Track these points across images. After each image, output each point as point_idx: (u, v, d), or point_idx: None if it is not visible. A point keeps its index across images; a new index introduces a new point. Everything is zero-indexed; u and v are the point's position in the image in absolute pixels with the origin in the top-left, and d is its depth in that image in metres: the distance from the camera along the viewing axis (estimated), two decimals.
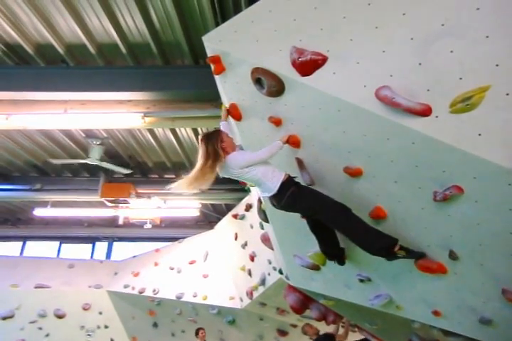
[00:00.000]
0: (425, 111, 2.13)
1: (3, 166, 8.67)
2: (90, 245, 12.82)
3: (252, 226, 6.08)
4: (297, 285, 4.26)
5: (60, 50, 5.25)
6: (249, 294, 6.60)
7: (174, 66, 5.49)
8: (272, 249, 4.54)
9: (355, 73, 2.37)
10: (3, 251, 12.13)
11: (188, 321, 8.45)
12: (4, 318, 8.60)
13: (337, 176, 2.86)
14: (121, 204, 9.12)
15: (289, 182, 2.83)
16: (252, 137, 3.30)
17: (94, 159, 7.33)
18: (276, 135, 2.98)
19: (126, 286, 9.11)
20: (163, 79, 5.30)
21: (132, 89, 5.35)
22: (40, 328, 8.77)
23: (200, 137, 2.96)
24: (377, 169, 2.62)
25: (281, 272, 4.69)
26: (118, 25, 4.84)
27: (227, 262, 7.49)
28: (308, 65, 2.49)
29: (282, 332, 7.74)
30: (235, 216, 6.88)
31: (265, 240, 4.98)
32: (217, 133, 2.96)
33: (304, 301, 4.61)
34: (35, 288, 9.00)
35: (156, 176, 9.24)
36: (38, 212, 9.85)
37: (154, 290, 8.60)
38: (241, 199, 6.92)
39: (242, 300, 7.03)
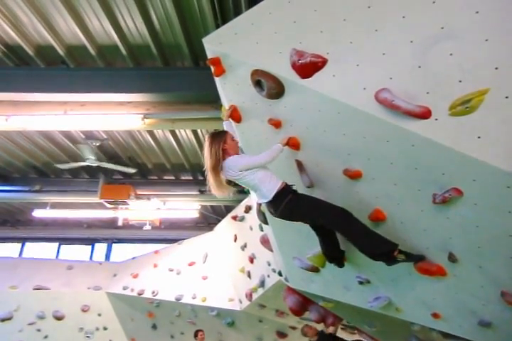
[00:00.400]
0: (425, 114, 2.13)
1: (2, 167, 8.66)
2: (89, 246, 12.81)
3: (251, 228, 6.08)
4: (296, 287, 4.26)
5: (60, 51, 5.25)
6: (249, 296, 6.60)
7: (174, 68, 5.49)
8: (272, 250, 4.54)
9: (354, 75, 2.37)
10: (2, 253, 12.12)
11: (187, 323, 8.44)
12: (3, 320, 8.57)
13: (336, 178, 2.86)
14: (120, 206, 9.13)
15: (286, 191, 2.81)
16: (251, 139, 3.30)
17: (92, 160, 7.33)
18: (276, 137, 2.98)
19: (125, 288, 9.10)
20: (163, 81, 5.31)
21: (132, 90, 5.36)
22: (39, 330, 8.75)
23: (207, 135, 2.98)
24: (376, 171, 2.63)
25: (280, 274, 4.68)
26: (118, 26, 4.85)
27: (227, 264, 7.49)
28: (308, 68, 2.49)
29: (281, 334, 7.73)
30: (235, 218, 6.88)
31: (265, 242, 4.98)
32: (222, 134, 2.97)
33: (304, 303, 4.62)
34: (34, 289, 8.97)
35: (156, 178, 9.24)
36: (37, 213, 9.85)
37: (153, 292, 8.59)
38: (240, 201, 6.92)
39: (241, 301, 7.03)
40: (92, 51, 5.22)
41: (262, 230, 5.01)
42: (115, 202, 8.77)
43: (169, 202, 9.27)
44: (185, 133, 7.18)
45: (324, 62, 2.45)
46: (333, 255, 3.23)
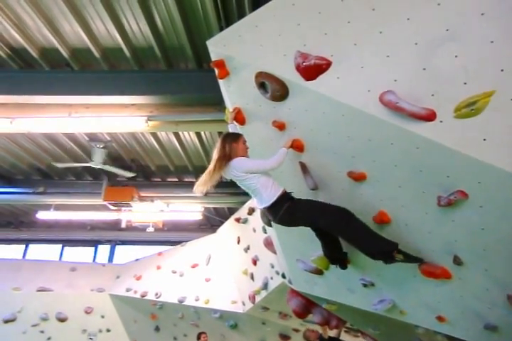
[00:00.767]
0: (429, 116, 2.12)
1: (6, 169, 8.71)
2: (93, 248, 12.83)
3: (254, 230, 6.07)
4: (300, 290, 4.24)
5: (65, 54, 5.28)
6: (252, 298, 6.57)
7: (178, 70, 5.51)
8: (275, 253, 4.53)
9: (359, 78, 2.37)
10: (5, 254, 12.14)
11: (190, 325, 8.42)
12: (6, 321, 8.58)
13: (341, 180, 2.86)
14: (124, 208, 9.16)
15: (285, 198, 2.82)
16: (255, 141, 3.29)
17: (97, 162, 7.35)
18: (280, 139, 2.98)
19: (128, 290, 9.09)
20: (166, 83, 5.33)
21: (136, 92, 5.38)
22: (42, 331, 8.75)
23: (223, 134, 3.04)
24: (381, 174, 2.62)
25: (284, 276, 4.67)
26: (122, 29, 4.87)
27: (230, 266, 7.47)
28: (312, 70, 2.49)
29: (284, 337, 7.69)
30: (238, 220, 6.87)
31: (268, 244, 4.97)
32: (238, 135, 3.02)
33: (307, 305, 4.60)
34: (38, 291, 8.98)
35: (159, 180, 9.25)
36: (41, 215, 9.88)
37: (156, 294, 8.58)
38: (244, 203, 6.91)
39: (244, 304, 7.00)
40: (96, 53, 5.24)
41: (265, 232, 5.00)
42: (118, 204, 8.78)
43: (172, 204, 9.29)
44: (188, 136, 7.19)
45: (328, 64, 2.45)
46: (335, 256, 3.22)
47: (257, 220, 5.33)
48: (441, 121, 2.11)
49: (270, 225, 4.09)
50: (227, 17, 4.58)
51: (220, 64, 2.96)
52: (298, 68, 2.54)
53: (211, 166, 2.87)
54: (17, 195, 9.02)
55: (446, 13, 2.08)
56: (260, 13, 2.74)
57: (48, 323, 8.85)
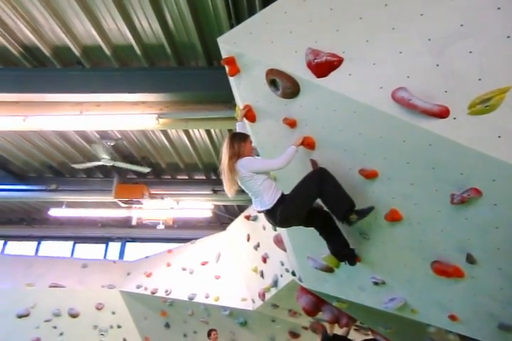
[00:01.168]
0: (443, 113, 2.10)
1: (19, 167, 8.81)
2: (104, 245, 12.95)
3: (264, 228, 6.07)
4: (310, 287, 4.23)
5: (76, 52, 5.31)
6: (262, 296, 6.59)
7: (188, 67, 5.51)
8: (285, 250, 4.53)
9: (371, 74, 2.35)
10: (18, 251, 12.33)
11: (200, 322, 8.47)
12: (20, 317, 8.71)
13: (352, 178, 2.84)
14: (134, 205, 9.20)
15: (281, 200, 2.84)
16: (266, 139, 3.29)
17: (107, 160, 7.40)
18: (291, 136, 2.97)
19: (138, 286, 9.17)
20: (177, 81, 5.34)
21: (146, 90, 5.41)
22: (55, 327, 8.86)
23: (229, 134, 3.07)
24: (393, 171, 2.60)
25: (294, 274, 4.67)
26: (133, 27, 4.89)
27: (240, 263, 7.49)
28: (323, 67, 2.47)
29: (294, 334, 7.70)
30: (248, 217, 6.88)
31: (278, 242, 4.97)
32: (245, 135, 3.04)
33: (317, 303, 4.59)
34: (50, 287, 9.09)
35: (169, 177, 9.29)
36: (53, 212, 9.98)
37: (166, 291, 8.63)
38: None
39: (254, 301, 7.02)
40: (107, 51, 5.27)
41: (275, 230, 5.00)
42: (129, 201, 8.84)
43: (182, 201, 9.31)
44: (198, 133, 7.21)
45: (340, 61, 2.44)
46: (342, 253, 3.18)
47: None
48: (454, 118, 2.09)
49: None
50: (238, 15, 4.57)
51: (231, 61, 2.95)
52: (309, 65, 2.53)
53: (225, 170, 2.88)
54: (29, 193, 9.12)
55: (461, 8, 2.05)
56: (271, 10, 2.73)
57: (60, 319, 8.95)
